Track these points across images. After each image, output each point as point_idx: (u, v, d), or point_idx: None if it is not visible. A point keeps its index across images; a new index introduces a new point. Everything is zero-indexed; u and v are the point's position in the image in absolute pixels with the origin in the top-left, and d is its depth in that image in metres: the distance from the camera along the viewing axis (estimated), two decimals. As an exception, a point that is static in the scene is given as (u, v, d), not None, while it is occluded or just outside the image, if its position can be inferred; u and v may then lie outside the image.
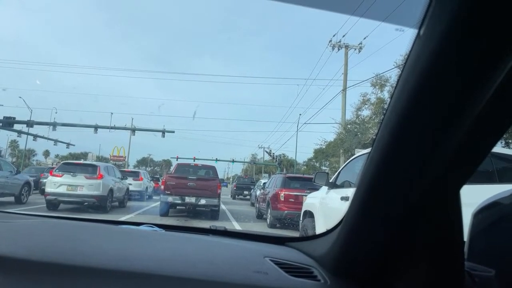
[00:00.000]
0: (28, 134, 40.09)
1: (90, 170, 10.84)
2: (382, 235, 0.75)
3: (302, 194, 9.29)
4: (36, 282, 0.69)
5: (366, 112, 22.46)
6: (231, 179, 56.86)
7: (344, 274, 0.87)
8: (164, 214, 10.46)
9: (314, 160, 54.96)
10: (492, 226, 0.74)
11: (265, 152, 53.97)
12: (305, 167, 52.68)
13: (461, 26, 0.48)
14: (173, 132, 35.36)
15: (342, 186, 4.98)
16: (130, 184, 16.41)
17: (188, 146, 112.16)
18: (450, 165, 0.61)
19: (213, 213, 10.65)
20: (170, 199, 10.33)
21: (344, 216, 0.84)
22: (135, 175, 17.62)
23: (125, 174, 16.91)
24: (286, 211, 9.46)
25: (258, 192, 14.54)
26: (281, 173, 13.60)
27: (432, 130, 0.58)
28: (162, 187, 10.92)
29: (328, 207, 5.03)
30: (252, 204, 15.96)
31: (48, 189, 10.44)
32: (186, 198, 10.30)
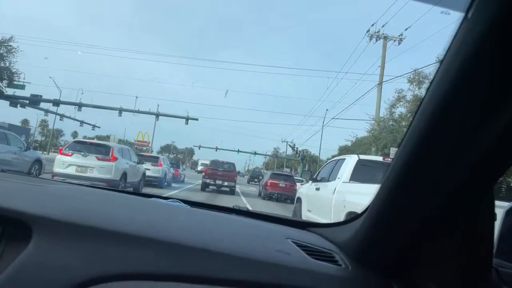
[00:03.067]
0: (55, 113, 40.34)
1: (103, 151, 9.84)
2: (408, 226, 0.74)
3: (279, 182, 17.76)
4: (68, 243, 0.70)
5: (400, 110, 21.18)
6: (251, 171, 58.68)
7: (366, 261, 0.85)
8: (203, 189, 17.56)
9: None
10: None
11: (288, 146, 52.97)
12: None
13: None
14: (197, 119, 34.74)
15: (319, 180, 6.80)
16: (148, 169, 15.78)
17: (211, 135, 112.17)
18: (487, 158, 0.58)
19: (231, 190, 17.96)
20: (208, 180, 17.58)
21: (369, 204, 0.83)
22: (154, 160, 16.68)
23: (143, 159, 16.39)
24: (270, 191, 17.74)
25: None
26: (272, 171, 23.19)
27: (472, 119, 0.55)
28: (203, 174, 18.31)
29: (309, 194, 7.11)
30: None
31: (56, 168, 9.56)
32: (217, 181, 17.52)
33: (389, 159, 6.57)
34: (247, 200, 15.89)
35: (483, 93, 0.52)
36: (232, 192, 17.93)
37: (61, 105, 36.55)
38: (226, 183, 17.59)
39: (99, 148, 10.05)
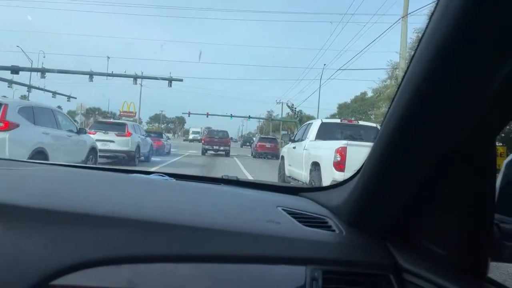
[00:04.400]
0: (20, 84, 35.12)
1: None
2: (405, 184, 0.71)
3: (265, 144, 23.31)
4: (36, 230, 0.65)
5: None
6: (244, 136, 62.38)
7: (361, 225, 0.83)
8: (203, 154, 20.84)
9: (337, 117, 56.99)
10: None
11: (286, 107, 49.31)
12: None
13: None
14: (181, 80, 30.03)
15: (296, 141, 8.29)
16: (111, 141, 11.66)
17: (201, 101, 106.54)
18: (487, 108, 0.54)
19: (226, 153, 21.38)
20: (207, 146, 21.13)
21: (363, 164, 0.79)
22: (119, 128, 12.20)
23: (102, 127, 12.05)
24: (259, 151, 23.17)
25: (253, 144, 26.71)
26: (259, 136, 29.45)
27: (474, 65, 0.50)
28: (203, 141, 22.43)
29: (289, 152, 8.67)
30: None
31: None
32: (214, 146, 21.17)
33: (346, 121, 8.35)
34: (240, 160, 18.94)
35: (484, 38, 0.47)
36: (227, 154, 21.45)
37: (24, 76, 31.65)
38: (222, 148, 21.28)
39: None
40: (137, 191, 0.95)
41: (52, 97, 41.65)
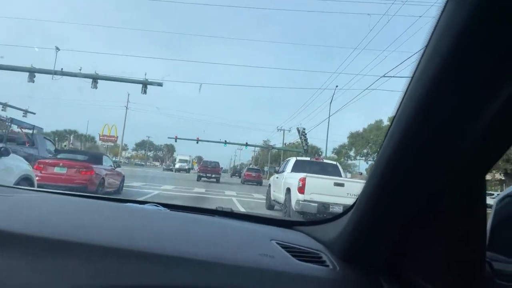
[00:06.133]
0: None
1: None
2: (397, 220, 0.71)
3: (252, 173, 31.05)
4: (32, 258, 0.66)
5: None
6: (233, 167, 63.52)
7: (354, 260, 0.83)
8: (198, 180, 25.17)
9: (346, 148, 50.09)
10: None
11: (286, 133, 42.59)
12: (336, 155, 48.33)
13: None
14: (161, 85, 21.63)
15: (279, 173, 10.90)
16: None
17: (192, 128, 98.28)
18: (477, 148, 0.56)
19: (217, 180, 26.40)
20: (201, 174, 26.43)
21: (356, 200, 0.80)
22: None
23: None
24: (246, 178, 30.39)
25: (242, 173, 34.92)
26: (247, 167, 39.14)
27: (464, 103, 0.52)
28: (198, 170, 28.45)
29: (274, 181, 11.07)
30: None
31: None
32: (207, 174, 26.45)
33: (314, 159, 11.38)
34: (231, 186, 21.99)
35: (478, 73, 0.48)
36: (217, 180, 26.26)
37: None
38: (213, 175, 26.39)
39: None
40: (130, 221, 0.95)
41: (2, 110, 32.70)
